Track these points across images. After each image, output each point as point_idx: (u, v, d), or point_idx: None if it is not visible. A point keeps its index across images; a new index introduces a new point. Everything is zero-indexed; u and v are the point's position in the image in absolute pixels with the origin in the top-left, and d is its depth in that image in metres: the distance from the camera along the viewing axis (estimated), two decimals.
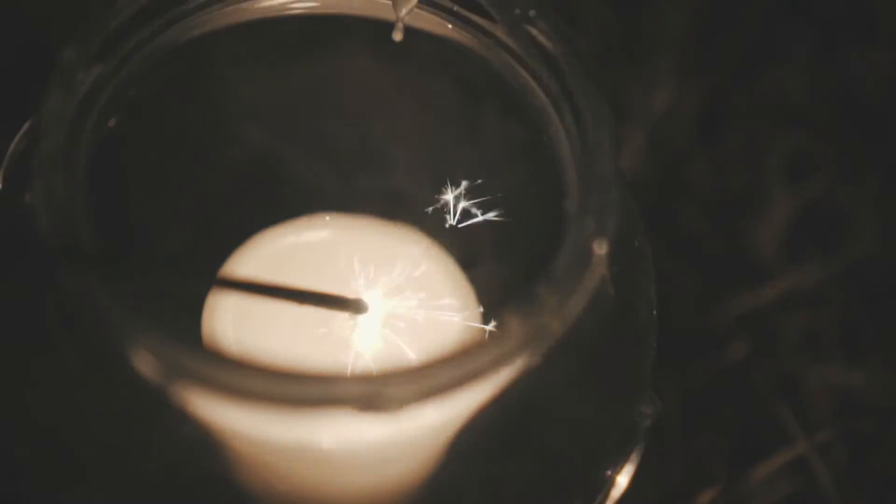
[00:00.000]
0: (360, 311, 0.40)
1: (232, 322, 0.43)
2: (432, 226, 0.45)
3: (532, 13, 0.41)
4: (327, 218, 0.45)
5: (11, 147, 0.42)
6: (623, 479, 0.41)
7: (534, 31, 0.41)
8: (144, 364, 0.35)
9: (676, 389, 0.54)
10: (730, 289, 0.57)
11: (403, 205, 0.46)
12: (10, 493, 0.46)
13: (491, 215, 0.44)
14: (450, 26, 0.43)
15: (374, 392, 0.33)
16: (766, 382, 0.55)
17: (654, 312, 0.44)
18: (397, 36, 0.43)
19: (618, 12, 0.63)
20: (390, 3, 0.43)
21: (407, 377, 0.34)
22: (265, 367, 0.33)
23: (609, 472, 0.42)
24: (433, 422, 0.40)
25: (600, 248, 0.37)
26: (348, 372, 0.33)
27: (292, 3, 0.44)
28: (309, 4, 0.44)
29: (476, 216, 0.44)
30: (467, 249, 0.46)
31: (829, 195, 0.60)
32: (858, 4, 0.63)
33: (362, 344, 0.41)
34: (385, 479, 0.44)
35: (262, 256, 0.46)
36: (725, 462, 0.54)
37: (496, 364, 0.35)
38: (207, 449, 0.42)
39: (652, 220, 0.58)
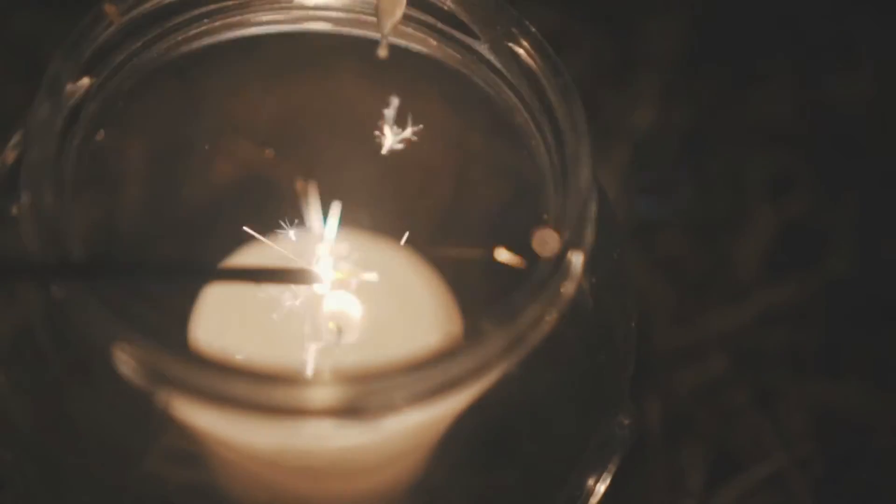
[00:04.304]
0: (312, 282, 0.40)
1: (218, 328, 0.43)
2: (416, 239, 0.46)
3: (514, 30, 0.41)
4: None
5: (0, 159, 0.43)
6: (601, 488, 0.42)
7: (516, 48, 0.41)
8: (129, 369, 0.36)
9: (657, 403, 0.55)
10: (710, 304, 0.58)
11: (387, 219, 0.46)
12: None
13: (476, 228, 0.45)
14: (434, 43, 0.44)
15: (352, 399, 0.34)
16: (746, 397, 0.56)
17: (634, 324, 0.45)
18: (382, 53, 0.44)
19: (606, 33, 0.64)
20: (375, 20, 0.44)
21: (386, 384, 0.34)
22: (243, 372, 0.34)
23: (587, 481, 0.42)
24: (413, 430, 0.41)
25: (577, 259, 0.37)
26: (327, 375, 0.33)
27: (279, 20, 0.45)
28: (294, 24, 0.45)
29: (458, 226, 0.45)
30: (451, 264, 0.46)
31: (809, 214, 0.60)
32: (840, 28, 0.64)
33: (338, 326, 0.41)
34: (366, 488, 0.45)
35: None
36: (705, 476, 0.54)
37: (475, 372, 0.36)
38: (192, 456, 0.43)
39: (635, 235, 0.59)
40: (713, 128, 0.62)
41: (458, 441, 0.41)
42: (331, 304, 0.44)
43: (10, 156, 0.42)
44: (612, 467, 0.42)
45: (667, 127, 0.61)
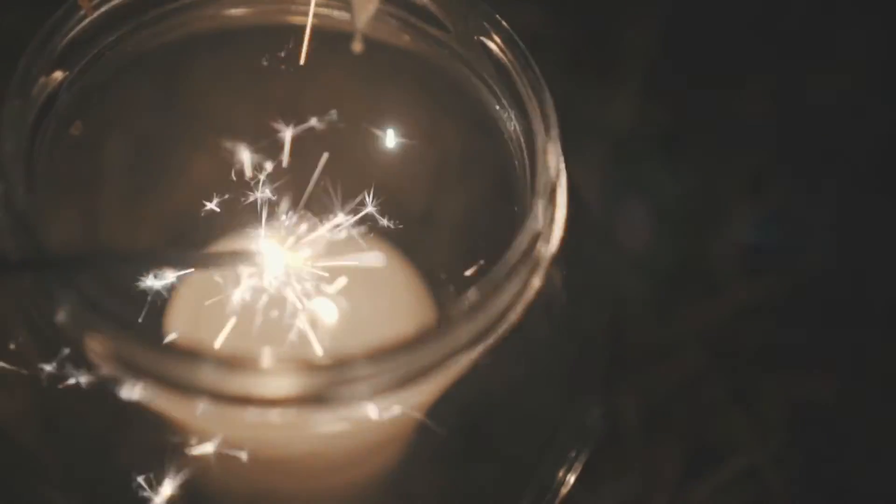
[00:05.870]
0: (252, 263, 0.40)
1: (192, 322, 0.44)
2: (390, 232, 0.46)
3: (485, 25, 0.42)
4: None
5: None
6: (571, 479, 0.42)
7: (487, 42, 0.42)
8: (101, 359, 0.36)
9: (633, 397, 0.55)
10: (687, 300, 0.58)
11: (361, 210, 0.46)
12: None
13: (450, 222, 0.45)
14: (407, 38, 0.44)
15: (319, 387, 0.34)
16: (722, 392, 0.56)
17: (607, 317, 0.45)
18: (357, 47, 0.44)
19: (584, 29, 0.64)
20: (349, 15, 0.44)
21: (353, 372, 0.34)
22: (208, 359, 0.34)
23: (558, 472, 0.43)
24: (386, 422, 0.41)
25: (545, 250, 0.38)
26: (294, 363, 0.34)
27: (252, 14, 0.45)
28: (268, 18, 0.45)
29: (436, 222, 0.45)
30: (425, 257, 0.47)
31: (785, 211, 0.61)
32: (814, 27, 0.64)
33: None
34: (343, 484, 0.45)
35: None
36: (680, 470, 0.54)
37: (443, 360, 0.36)
38: (167, 451, 0.43)
39: (612, 231, 0.59)
40: (690, 126, 0.62)
41: (430, 434, 0.42)
42: (306, 305, 0.44)
43: None
44: (583, 458, 0.43)
45: (644, 125, 0.62)
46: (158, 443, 0.42)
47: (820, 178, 0.61)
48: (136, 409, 0.39)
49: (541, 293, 0.40)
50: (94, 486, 0.44)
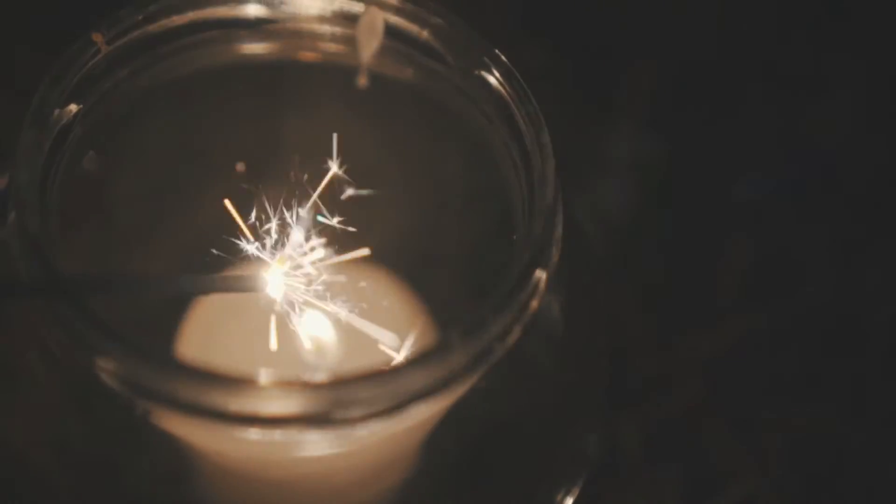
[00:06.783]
0: (258, 289, 0.41)
1: (202, 343, 0.45)
2: (394, 261, 0.47)
3: (486, 60, 0.43)
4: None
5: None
6: (569, 501, 0.43)
7: (487, 77, 0.43)
8: (112, 381, 0.37)
9: (634, 426, 0.56)
10: (688, 330, 0.59)
11: (365, 239, 0.48)
12: None
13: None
14: (410, 72, 0.45)
15: (320, 406, 0.35)
16: (722, 421, 0.57)
17: (606, 344, 0.46)
18: (362, 81, 0.46)
19: (587, 63, 0.65)
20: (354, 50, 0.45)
21: (352, 392, 0.36)
22: (210, 378, 0.35)
23: (556, 497, 0.44)
24: (387, 445, 0.42)
25: (541, 276, 0.39)
26: (293, 383, 0.35)
27: (262, 50, 0.47)
28: (277, 54, 0.47)
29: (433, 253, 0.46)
30: (426, 283, 0.48)
31: (786, 242, 0.62)
32: (816, 59, 0.65)
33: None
34: None
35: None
36: (681, 499, 0.55)
37: (442, 383, 0.37)
38: (176, 473, 0.44)
39: (613, 262, 0.60)
40: (691, 157, 0.64)
41: (430, 458, 0.43)
42: (307, 325, 0.45)
43: (2, 183, 0.44)
44: (580, 482, 0.43)
45: (645, 156, 0.63)
46: (168, 465, 0.44)
47: (819, 209, 0.62)
48: (148, 432, 0.40)
49: (540, 319, 0.41)
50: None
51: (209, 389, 0.35)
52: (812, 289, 0.60)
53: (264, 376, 0.35)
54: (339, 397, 0.35)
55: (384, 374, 0.36)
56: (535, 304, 0.39)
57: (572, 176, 0.47)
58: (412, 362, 0.36)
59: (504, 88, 0.42)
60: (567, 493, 0.44)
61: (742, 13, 0.66)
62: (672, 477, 0.55)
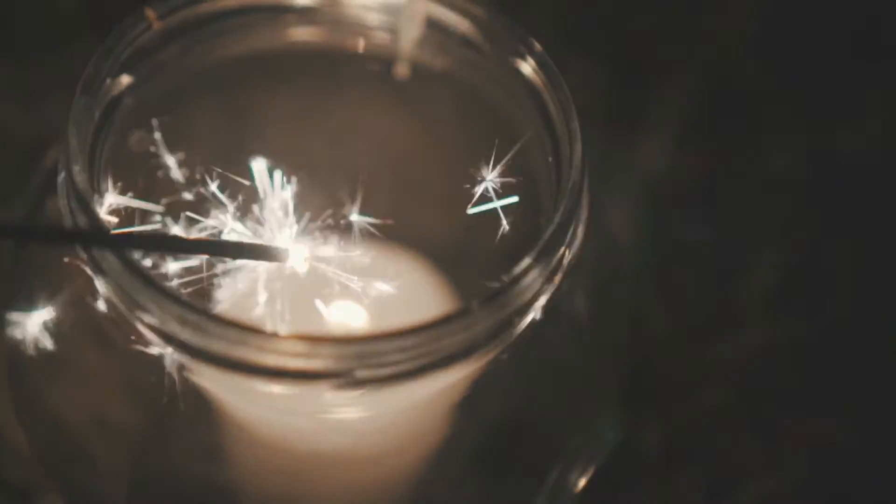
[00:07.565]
0: (283, 259, 0.42)
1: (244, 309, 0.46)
2: (420, 244, 0.48)
3: (521, 48, 0.44)
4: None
5: None
6: (581, 482, 0.44)
7: (521, 64, 0.44)
8: (149, 333, 0.39)
9: (655, 429, 0.57)
10: (714, 336, 0.60)
11: (398, 228, 0.49)
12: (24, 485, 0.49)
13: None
14: (446, 60, 0.47)
15: (345, 360, 0.37)
16: (744, 428, 0.58)
17: (626, 335, 0.47)
18: (402, 71, 0.47)
19: (624, 79, 0.67)
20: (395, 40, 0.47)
21: (376, 348, 0.37)
22: (242, 330, 0.36)
23: (569, 480, 0.45)
24: (410, 417, 0.43)
25: (563, 252, 0.40)
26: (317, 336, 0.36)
27: (308, 37, 0.48)
28: (323, 40, 0.48)
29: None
30: (456, 270, 0.49)
31: (811, 257, 0.63)
32: (848, 80, 0.66)
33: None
34: (370, 479, 0.47)
35: None
36: (700, 501, 0.56)
37: (466, 348, 0.38)
38: (213, 449, 0.45)
39: (643, 267, 0.61)
40: (722, 173, 0.65)
41: (456, 430, 0.44)
42: (336, 313, 0.46)
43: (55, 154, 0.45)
44: (592, 468, 0.44)
45: (678, 171, 0.64)
46: (204, 443, 0.45)
47: (846, 226, 0.63)
48: (186, 405, 0.41)
49: (562, 305, 0.42)
50: (140, 479, 0.46)
51: (241, 342, 0.37)
52: (835, 303, 0.61)
53: (292, 331, 0.36)
54: (364, 352, 0.37)
55: (408, 332, 0.37)
56: (556, 279, 0.40)
57: (603, 182, 0.48)
58: (436, 322, 0.37)
59: (538, 76, 0.44)
60: (581, 475, 0.45)
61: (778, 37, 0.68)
62: (691, 480, 0.56)
